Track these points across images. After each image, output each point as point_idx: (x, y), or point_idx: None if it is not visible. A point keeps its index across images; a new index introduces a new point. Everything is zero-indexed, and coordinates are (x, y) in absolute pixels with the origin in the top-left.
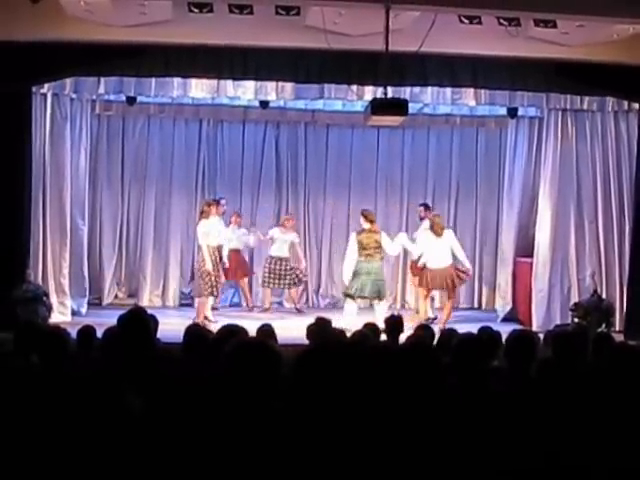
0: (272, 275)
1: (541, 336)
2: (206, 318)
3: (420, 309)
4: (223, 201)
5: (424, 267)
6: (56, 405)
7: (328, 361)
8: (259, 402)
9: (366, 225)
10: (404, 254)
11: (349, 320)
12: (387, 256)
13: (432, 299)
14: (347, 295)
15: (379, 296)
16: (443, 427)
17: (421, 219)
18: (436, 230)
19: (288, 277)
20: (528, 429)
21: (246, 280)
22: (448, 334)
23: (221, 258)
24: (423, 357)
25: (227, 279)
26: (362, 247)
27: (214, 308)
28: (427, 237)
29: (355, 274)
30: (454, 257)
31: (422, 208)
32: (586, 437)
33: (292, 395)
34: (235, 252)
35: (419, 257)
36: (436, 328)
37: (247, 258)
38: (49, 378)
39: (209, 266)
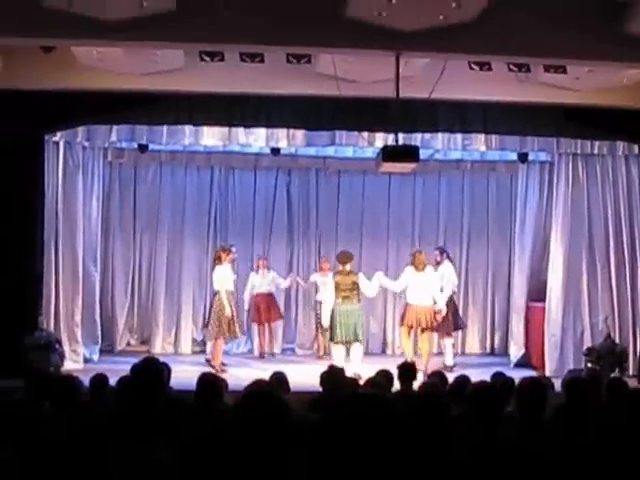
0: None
1: (556, 381)
2: (222, 364)
3: (405, 349)
4: (234, 249)
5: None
6: (68, 454)
7: (336, 411)
8: (269, 451)
9: (340, 267)
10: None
11: (357, 363)
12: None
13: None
14: (332, 341)
15: (356, 339)
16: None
17: (437, 264)
18: (417, 265)
19: None
20: (540, 477)
21: (273, 324)
22: (461, 381)
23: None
24: (433, 408)
25: (259, 324)
26: (338, 289)
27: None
28: (408, 272)
29: (334, 317)
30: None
31: (438, 252)
32: None
33: (302, 444)
34: (266, 296)
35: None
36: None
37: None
38: (60, 426)
39: (228, 311)
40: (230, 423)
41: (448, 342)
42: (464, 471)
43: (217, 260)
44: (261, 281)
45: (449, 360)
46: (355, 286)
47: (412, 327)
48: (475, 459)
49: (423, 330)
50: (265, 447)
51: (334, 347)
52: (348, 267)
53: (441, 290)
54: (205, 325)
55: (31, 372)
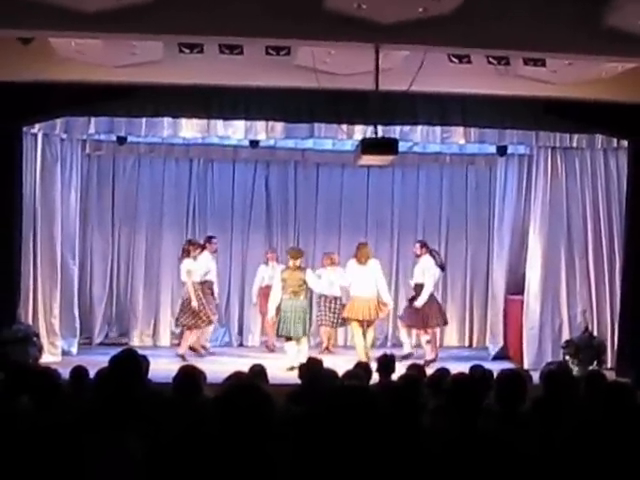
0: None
1: (535, 374)
2: (192, 348)
3: (356, 344)
4: (215, 240)
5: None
6: (48, 447)
7: (318, 403)
8: (251, 444)
9: (290, 262)
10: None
11: (294, 357)
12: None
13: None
14: (279, 336)
15: (299, 336)
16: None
17: (417, 257)
18: (359, 258)
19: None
20: (519, 469)
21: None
22: (440, 374)
23: (212, 293)
24: (408, 400)
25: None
26: (285, 284)
27: (204, 347)
28: (351, 265)
29: (280, 312)
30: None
31: (418, 245)
32: (579, 477)
33: (285, 437)
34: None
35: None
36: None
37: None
38: (39, 419)
39: (194, 303)
40: (211, 415)
41: (424, 338)
42: (441, 463)
43: (185, 253)
44: (271, 273)
45: (428, 355)
46: (302, 282)
47: (362, 320)
48: (453, 451)
49: (368, 323)
50: (248, 440)
51: (286, 343)
52: (298, 263)
53: (416, 287)
54: (176, 320)
55: (10, 365)
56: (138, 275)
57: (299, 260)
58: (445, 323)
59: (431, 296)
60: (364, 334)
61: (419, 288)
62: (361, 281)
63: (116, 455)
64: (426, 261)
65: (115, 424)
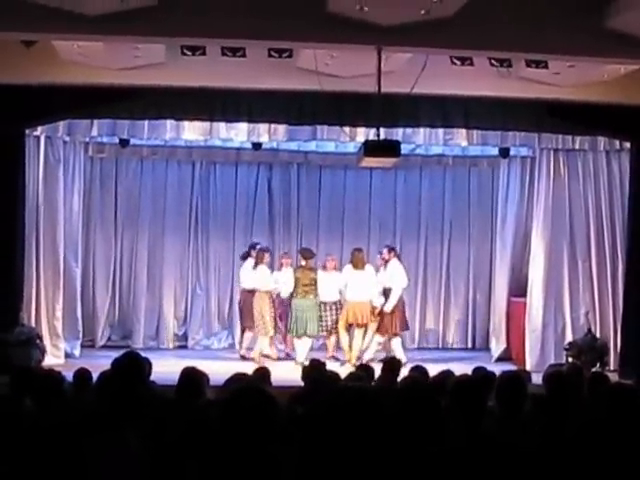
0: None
1: (537, 376)
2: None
3: (343, 346)
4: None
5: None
6: (51, 448)
7: (323, 405)
8: (255, 446)
9: (302, 262)
10: None
11: (305, 354)
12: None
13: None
14: (294, 336)
15: (305, 333)
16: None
17: (385, 262)
18: (355, 264)
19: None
20: (521, 470)
21: None
22: (443, 375)
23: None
24: (422, 400)
25: (282, 320)
26: (298, 284)
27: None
28: (347, 271)
29: (292, 312)
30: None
31: (386, 250)
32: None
33: (289, 438)
34: None
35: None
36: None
37: None
38: (42, 422)
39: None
40: (214, 417)
41: (396, 342)
42: (446, 464)
43: (259, 259)
44: (284, 279)
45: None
46: (313, 282)
47: (351, 324)
48: (457, 453)
49: (359, 325)
50: (252, 441)
51: (296, 341)
52: (311, 263)
53: (386, 292)
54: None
55: (14, 368)
56: (141, 277)
57: (312, 260)
58: (407, 328)
59: (399, 301)
60: (351, 337)
61: (388, 292)
62: (356, 286)
63: (118, 456)
64: (394, 266)
65: (118, 426)
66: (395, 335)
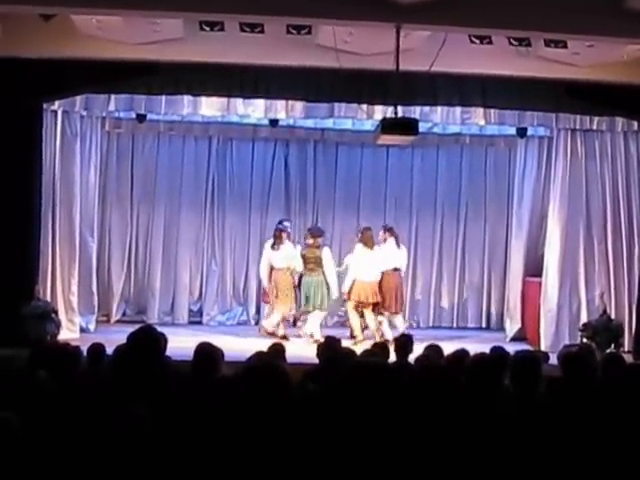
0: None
1: (553, 355)
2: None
3: (353, 324)
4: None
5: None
6: (69, 421)
7: (339, 379)
8: (269, 423)
9: (309, 240)
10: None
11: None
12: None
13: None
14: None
15: (314, 307)
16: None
17: (384, 241)
18: (366, 242)
19: None
20: (534, 451)
21: None
22: (459, 354)
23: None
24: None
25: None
26: (305, 261)
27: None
28: (359, 250)
29: (302, 289)
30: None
31: (382, 230)
32: (596, 459)
33: (302, 414)
34: None
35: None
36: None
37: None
38: (61, 394)
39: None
40: (229, 392)
41: (399, 319)
42: (458, 443)
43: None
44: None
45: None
46: (318, 259)
47: (361, 303)
48: (470, 431)
49: (367, 305)
50: (266, 416)
51: (310, 315)
52: (319, 241)
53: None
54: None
55: (30, 342)
56: (156, 253)
57: (320, 239)
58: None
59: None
60: (362, 316)
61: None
62: (367, 266)
63: (132, 431)
64: (389, 246)
65: (133, 400)
66: (396, 313)
